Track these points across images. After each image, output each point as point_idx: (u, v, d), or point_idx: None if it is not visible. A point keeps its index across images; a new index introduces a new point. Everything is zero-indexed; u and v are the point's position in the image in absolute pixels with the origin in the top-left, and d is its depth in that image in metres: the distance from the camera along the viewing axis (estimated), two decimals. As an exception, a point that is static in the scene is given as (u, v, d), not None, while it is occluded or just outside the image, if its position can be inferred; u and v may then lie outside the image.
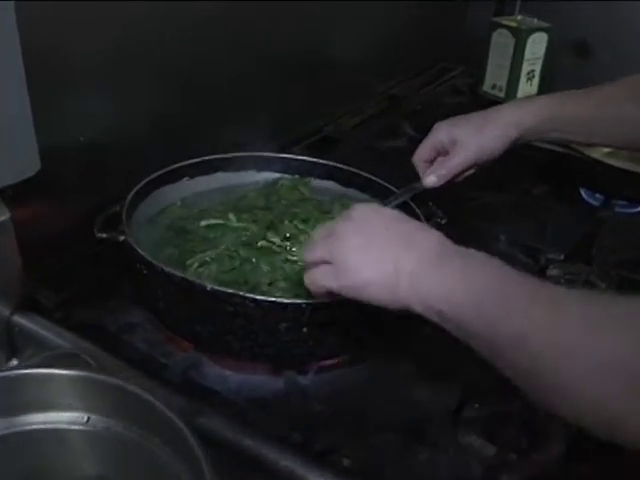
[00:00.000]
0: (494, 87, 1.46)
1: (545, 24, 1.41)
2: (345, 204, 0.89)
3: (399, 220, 0.61)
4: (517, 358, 0.48)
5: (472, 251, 0.57)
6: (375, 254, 0.57)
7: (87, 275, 0.84)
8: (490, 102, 1.20)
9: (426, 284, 0.54)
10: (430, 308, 0.54)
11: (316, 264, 0.62)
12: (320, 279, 0.61)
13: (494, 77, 1.46)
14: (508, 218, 1.04)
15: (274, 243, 0.80)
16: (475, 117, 0.89)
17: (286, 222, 0.84)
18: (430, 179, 0.88)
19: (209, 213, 0.87)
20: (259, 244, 0.81)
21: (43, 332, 0.77)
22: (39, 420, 0.57)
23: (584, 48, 1.52)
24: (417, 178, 0.91)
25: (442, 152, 0.89)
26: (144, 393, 0.53)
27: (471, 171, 0.90)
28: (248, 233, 0.83)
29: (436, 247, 0.57)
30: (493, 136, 0.87)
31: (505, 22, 1.42)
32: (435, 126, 0.90)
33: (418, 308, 0.55)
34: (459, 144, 0.86)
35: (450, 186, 0.90)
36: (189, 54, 0.95)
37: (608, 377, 0.43)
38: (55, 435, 0.57)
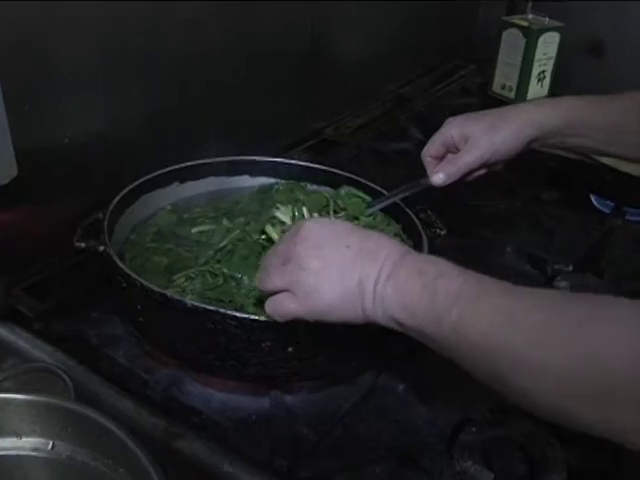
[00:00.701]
0: (504, 87, 1.42)
1: (557, 23, 1.38)
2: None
3: (358, 235, 0.58)
4: (478, 363, 0.50)
5: (432, 257, 0.57)
6: (336, 274, 0.55)
7: (69, 284, 0.81)
8: (499, 103, 1.15)
9: (387, 296, 0.54)
10: (392, 320, 0.54)
11: (275, 292, 0.58)
12: (282, 308, 0.58)
13: (504, 77, 1.42)
14: (514, 227, 1.00)
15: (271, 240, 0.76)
16: (491, 114, 0.83)
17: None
18: (438, 177, 0.81)
19: (201, 219, 0.83)
20: (255, 238, 0.77)
21: (21, 344, 0.75)
22: (0, 446, 0.53)
23: (598, 48, 1.48)
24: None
25: (452, 149, 0.83)
26: (109, 421, 0.49)
27: (482, 171, 0.83)
28: (240, 233, 0.79)
29: (397, 257, 0.55)
30: (509, 135, 0.81)
31: (516, 21, 1.38)
32: (447, 121, 0.84)
33: (382, 321, 0.55)
34: (471, 141, 0.81)
35: (457, 187, 0.84)
36: (181, 52, 0.92)
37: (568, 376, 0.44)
38: (18, 462, 0.53)
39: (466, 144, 0.81)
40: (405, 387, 0.72)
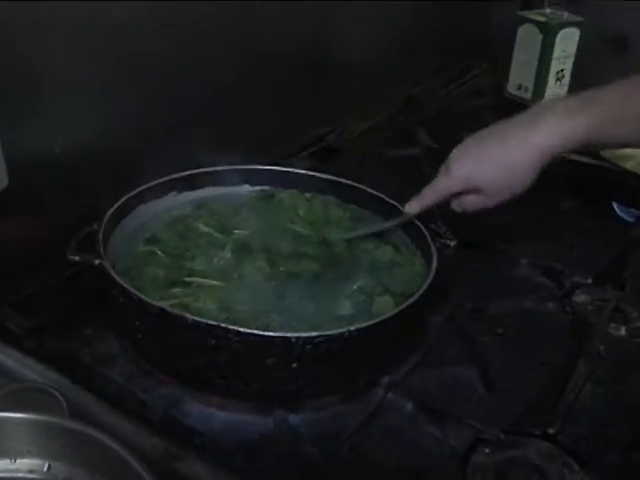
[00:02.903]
0: (520, 88, 1.45)
1: (577, 18, 1.40)
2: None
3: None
4: None
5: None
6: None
7: (61, 300, 0.84)
8: (515, 104, 1.19)
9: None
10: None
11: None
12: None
13: (520, 77, 1.45)
14: (529, 237, 1.03)
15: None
16: (497, 149, 0.82)
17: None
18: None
19: (199, 230, 0.87)
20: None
21: (11, 363, 0.76)
22: (-5, 467, 0.56)
23: (620, 44, 1.50)
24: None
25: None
26: (109, 440, 0.53)
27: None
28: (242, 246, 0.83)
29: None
30: (521, 178, 0.82)
31: (532, 16, 1.41)
32: (444, 169, 0.85)
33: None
34: (484, 192, 0.84)
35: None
36: (178, 56, 0.96)
37: None
38: (13, 485, 0.56)
39: (479, 194, 0.84)
40: (414, 405, 0.74)
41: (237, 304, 0.76)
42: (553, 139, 0.79)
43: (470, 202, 0.85)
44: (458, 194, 0.85)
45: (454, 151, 0.84)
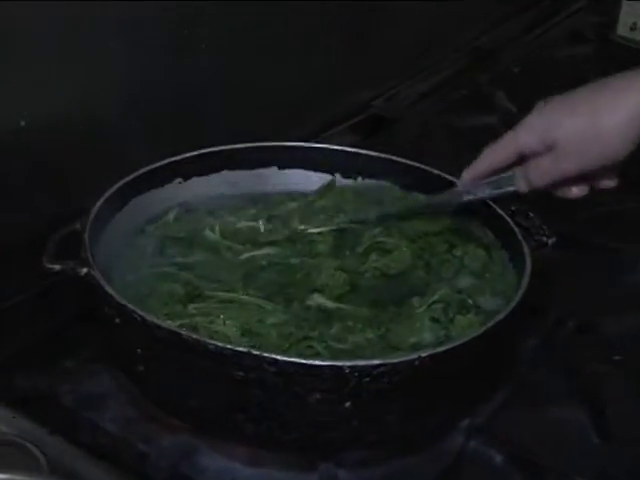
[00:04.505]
0: (634, 28, 1.45)
1: None
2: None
3: None
4: None
5: None
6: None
7: (36, 323, 0.87)
8: (627, 51, 1.19)
9: None
10: None
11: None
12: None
13: (633, 14, 1.44)
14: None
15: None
16: (585, 105, 0.85)
17: None
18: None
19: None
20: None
21: (-31, 410, 0.79)
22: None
23: None
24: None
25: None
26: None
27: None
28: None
29: None
30: (613, 143, 0.83)
31: None
32: (523, 123, 0.87)
33: None
34: (562, 153, 0.86)
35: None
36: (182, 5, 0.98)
37: None
38: None
39: (554, 153, 0.85)
40: (504, 457, 0.76)
41: (264, 326, 0.79)
42: None
43: (541, 169, 0.85)
44: (525, 158, 0.87)
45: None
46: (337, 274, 0.85)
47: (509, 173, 0.88)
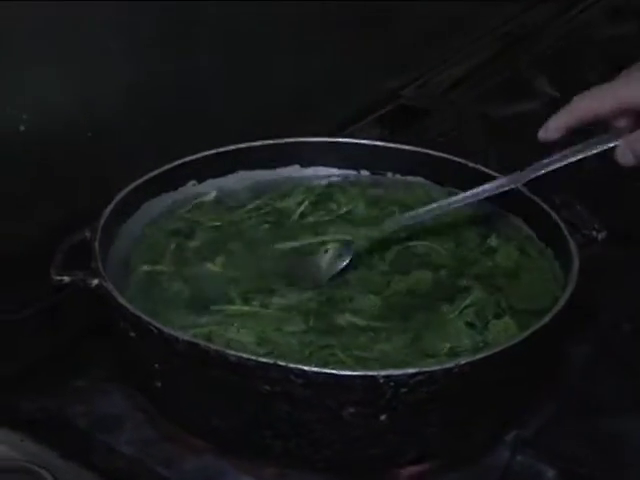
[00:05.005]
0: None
1: None
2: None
3: None
4: None
5: None
6: None
7: (43, 339, 0.89)
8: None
9: None
10: None
11: None
12: None
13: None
14: None
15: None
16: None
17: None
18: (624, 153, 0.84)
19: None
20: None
21: (-24, 434, 0.81)
22: None
23: None
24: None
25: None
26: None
27: None
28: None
29: None
30: None
31: None
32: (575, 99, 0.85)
33: None
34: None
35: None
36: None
37: None
38: None
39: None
40: (557, 473, 0.77)
41: (283, 334, 0.80)
42: None
43: None
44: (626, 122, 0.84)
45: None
46: (371, 298, 0.86)
47: (604, 136, 0.85)
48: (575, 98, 0.84)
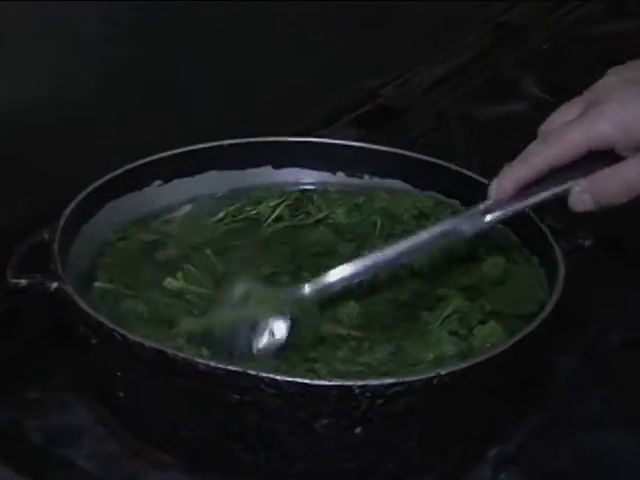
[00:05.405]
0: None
1: None
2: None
3: None
4: None
5: None
6: None
7: (-3, 347, 0.89)
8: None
9: None
10: None
11: None
12: None
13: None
14: None
15: None
16: None
17: None
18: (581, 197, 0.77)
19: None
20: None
21: None
22: None
23: None
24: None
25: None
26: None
27: None
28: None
29: None
30: None
31: None
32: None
33: None
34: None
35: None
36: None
37: None
38: None
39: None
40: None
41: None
42: None
43: (623, 179, 0.75)
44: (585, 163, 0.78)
45: (598, 83, 0.80)
46: (351, 305, 0.85)
47: (563, 185, 0.78)
48: (532, 144, 0.79)
